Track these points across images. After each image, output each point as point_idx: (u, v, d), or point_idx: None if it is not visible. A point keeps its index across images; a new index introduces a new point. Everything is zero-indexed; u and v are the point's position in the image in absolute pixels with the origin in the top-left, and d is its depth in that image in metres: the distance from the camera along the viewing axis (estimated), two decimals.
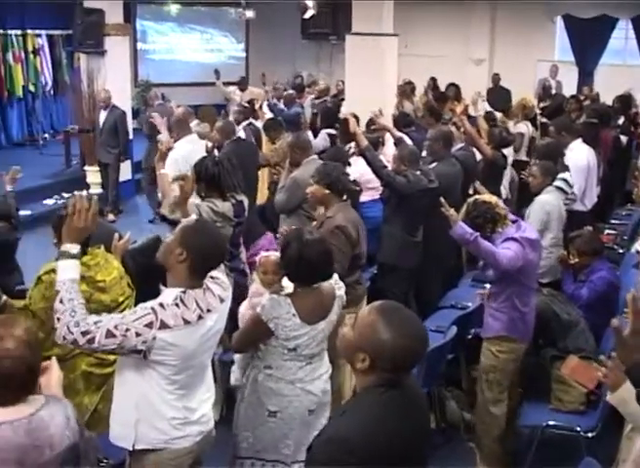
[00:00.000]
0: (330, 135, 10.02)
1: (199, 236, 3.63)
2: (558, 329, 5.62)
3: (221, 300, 3.69)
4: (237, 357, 4.56)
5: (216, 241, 3.73)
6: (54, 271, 4.35)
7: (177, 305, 3.44)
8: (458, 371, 6.31)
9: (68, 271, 3.49)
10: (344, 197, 5.60)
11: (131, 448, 3.61)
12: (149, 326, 3.36)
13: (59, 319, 3.35)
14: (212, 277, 3.71)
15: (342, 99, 13.21)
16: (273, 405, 4.12)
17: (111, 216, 11.99)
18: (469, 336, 6.14)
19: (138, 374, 3.52)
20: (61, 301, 3.38)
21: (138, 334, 3.34)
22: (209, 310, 3.56)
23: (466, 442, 5.77)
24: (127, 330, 3.34)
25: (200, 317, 3.50)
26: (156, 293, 3.64)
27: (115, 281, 4.67)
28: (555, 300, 5.80)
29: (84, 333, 3.31)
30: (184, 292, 3.50)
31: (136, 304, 4.06)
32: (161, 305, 3.43)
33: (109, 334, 3.33)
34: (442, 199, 5.21)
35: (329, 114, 10.61)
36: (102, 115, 12.25)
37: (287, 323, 4.01)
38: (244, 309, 4.67)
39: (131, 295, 4.67)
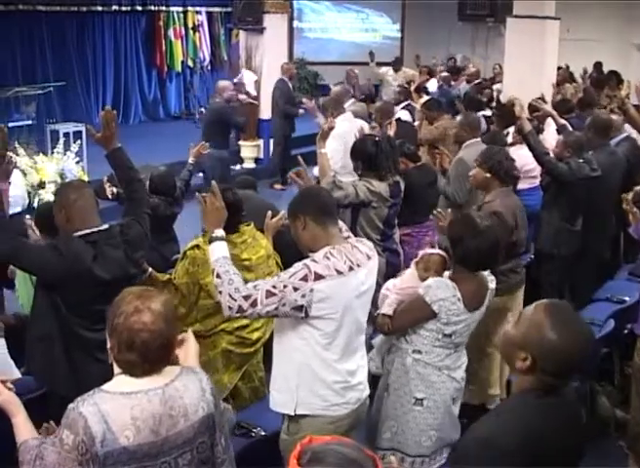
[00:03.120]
0: (485, 117, 9.87)
1: (300, 199, 3.80)
2: None
3: (368, 257, 3.72)
4: (377, 343, 4.45)
5: (315, 191, 3.90)
6: (197, 247, 4.50)
7: (327, 258, 3.51)
8: (611, 367, 6.13)
9: (219, 250, 3.60)
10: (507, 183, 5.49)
11: (292, 414, 3.65)
12: (305, 279, 3.42)
13: (220, 292, 3.45)
14: (358, 239, 3.82)
15: (499, 82, 13.00)
16: (420, 391, 4.05)
17: (278, 186, 12.44)
18: (625, 332, 5.94)
19: (298, 338, 3.57)
20: (218, 275, 3.48)
21: (295, 289, 3.40)
22: (358, 265, 3.60)
23: (616, 440, 5.60)
24: (285, 286, 3.41)
25: (351, 268, 3.55)
26: None
27: (262, 260, 4.69)
28: None
29: (246, 298, 3.39)
30: (333, 248, 3.56)
31: None
32: (313, 260, 3.51)
33: (269, 294, 3.40)
34: (624, 195, 5.07)
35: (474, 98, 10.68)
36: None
37: (452, 306, 3.95)
38: (386, 291, 4.40)
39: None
